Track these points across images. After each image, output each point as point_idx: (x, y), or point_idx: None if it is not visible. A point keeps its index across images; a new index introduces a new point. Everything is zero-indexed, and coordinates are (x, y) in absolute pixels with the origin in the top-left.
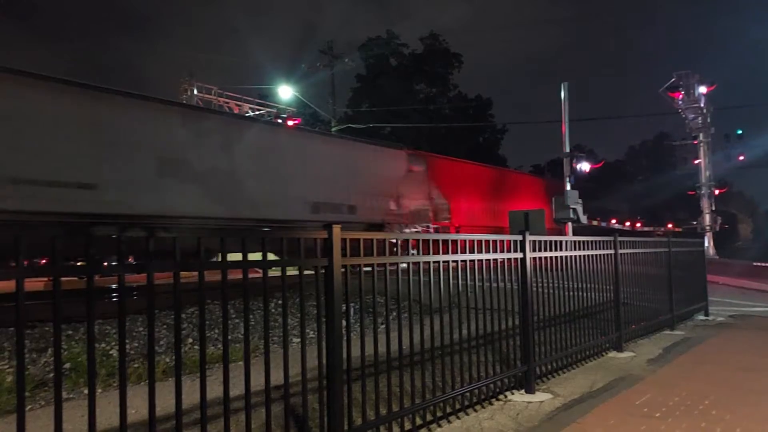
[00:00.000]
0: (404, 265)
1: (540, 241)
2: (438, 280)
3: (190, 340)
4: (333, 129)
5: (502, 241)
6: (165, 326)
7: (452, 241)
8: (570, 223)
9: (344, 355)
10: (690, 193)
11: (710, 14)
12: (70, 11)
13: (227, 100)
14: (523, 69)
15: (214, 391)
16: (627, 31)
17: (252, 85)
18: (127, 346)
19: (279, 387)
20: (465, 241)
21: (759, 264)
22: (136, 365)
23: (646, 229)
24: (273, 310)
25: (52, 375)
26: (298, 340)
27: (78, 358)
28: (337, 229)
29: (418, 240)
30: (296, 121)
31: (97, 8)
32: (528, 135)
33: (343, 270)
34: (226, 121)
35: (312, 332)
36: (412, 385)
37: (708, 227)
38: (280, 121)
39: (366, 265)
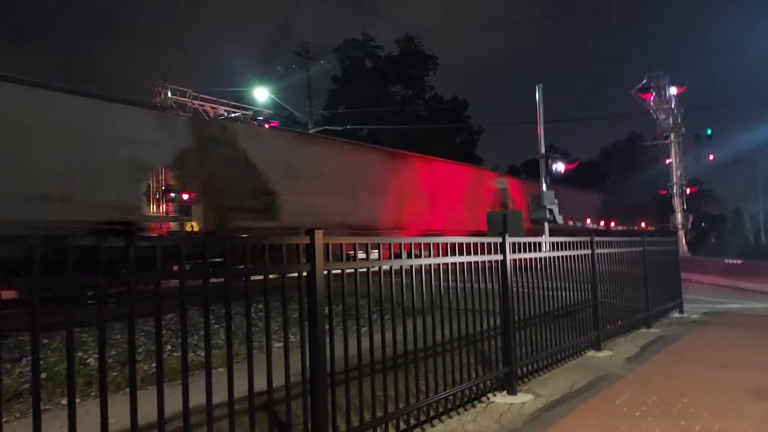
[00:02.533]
0: (386, 268)
1: (520, 243)
2: (420, 282)
3: (169, 347)
4: (310, 131)
5: (482, 244)
6: (143, 333)
7: (434, 244)
8: (546, 223)
9: (327, 361)
10: (662, 192)
11: (682, 16)
12: (33, 10)
13: (202, 103)
14: (498, 70)
15: (195, 398)
16: (599, 32)
17: (226, 88)
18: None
19: (262, 393)
20: (446, 244)
21: (731, 261)
22: (114, 373)
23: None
24: (253, 314)
25: (27, 386)
26: (279, 344)
27: (55, 367)
28: (319, 234)
29: (400, 243)
30: (273, 124)
31: (62, 6)
32: (505, 136)
33: (325, 274)
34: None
35: (293, 336)
36: (396, 389)
37: (680, 226)
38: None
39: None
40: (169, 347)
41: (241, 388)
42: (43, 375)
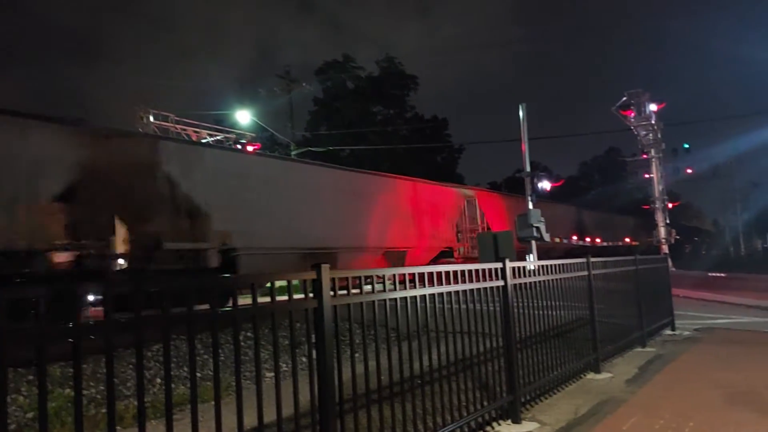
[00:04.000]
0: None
1: (519, 268)
2: (425, 309)
3: (159, 380)
4: (292, 153)
5: (483, 270)
6: (131, 366)
7: (437, 273)
8: (534, 242)
9: (336, 393)
10: (645, 207)
11: (661, 33)
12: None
13: (185, 127)
14: (476, 90)
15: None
16: (577, 52)
17: (207, 111)
18: (93, 390)
19: (271, 425)
20: (449, 272)
21: (714, 274)
22: (104, 410)
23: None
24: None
25: (13, 426)
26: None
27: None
28: (326, 269)
29: (404, 274)
30: (256, 146)
31: (40, 34)
32: (485, 153)
33: (333, 307)
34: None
35: (297, 365)
36: (404, 421)
37: (663, 240)
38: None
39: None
40: (158, 380)
41: (250, 420)
42: (30, 414)
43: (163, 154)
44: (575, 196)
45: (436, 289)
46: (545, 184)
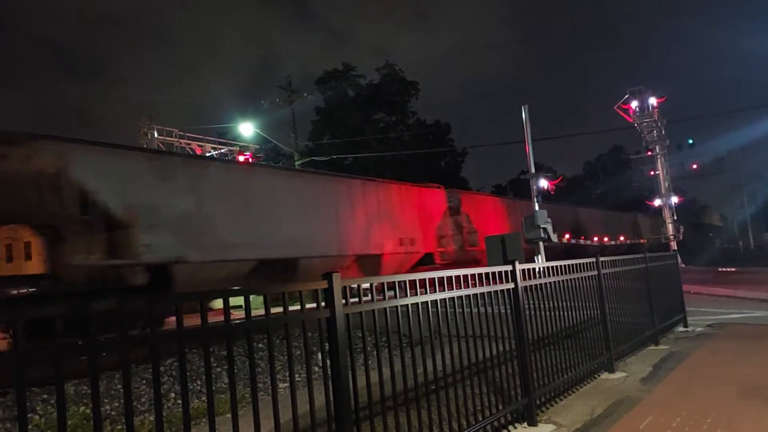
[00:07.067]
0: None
1: (530, 270)
2: (437, 314)
3: (173, 395)
4: (296, 163)
5: (494, 273)
6: (144, 381)
7: (447, 277)
8: (541, 242)
9: (351, 400)
10: (649, 203)
11: (660, 30)
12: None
13: (189, 142)
14: (479, 92)
15: None
16: (578, 52)
17: (210, 125)
18: (107, 407)
19: None
20: (459, 276)
21: (723, 269)
22: (119, 427)
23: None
24: (257, 354)
25: None
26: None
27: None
28: (337, 278)
29: (415, 279)
30: (259, 158)
31: (45, 52)
32: (488, 156)
33: (345, 316)
34: None
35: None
36: (420, 427)
37: (672, 236)
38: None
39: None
40: (173, 395)
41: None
42: None
43: None
44: (580, 195)
45: (447, 294)
46: (543, 183)
